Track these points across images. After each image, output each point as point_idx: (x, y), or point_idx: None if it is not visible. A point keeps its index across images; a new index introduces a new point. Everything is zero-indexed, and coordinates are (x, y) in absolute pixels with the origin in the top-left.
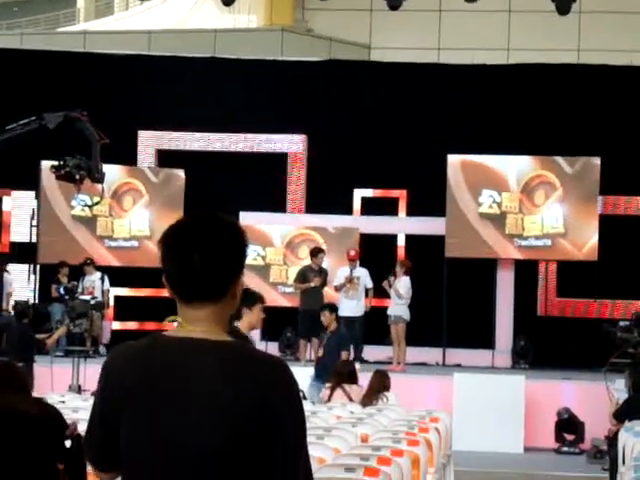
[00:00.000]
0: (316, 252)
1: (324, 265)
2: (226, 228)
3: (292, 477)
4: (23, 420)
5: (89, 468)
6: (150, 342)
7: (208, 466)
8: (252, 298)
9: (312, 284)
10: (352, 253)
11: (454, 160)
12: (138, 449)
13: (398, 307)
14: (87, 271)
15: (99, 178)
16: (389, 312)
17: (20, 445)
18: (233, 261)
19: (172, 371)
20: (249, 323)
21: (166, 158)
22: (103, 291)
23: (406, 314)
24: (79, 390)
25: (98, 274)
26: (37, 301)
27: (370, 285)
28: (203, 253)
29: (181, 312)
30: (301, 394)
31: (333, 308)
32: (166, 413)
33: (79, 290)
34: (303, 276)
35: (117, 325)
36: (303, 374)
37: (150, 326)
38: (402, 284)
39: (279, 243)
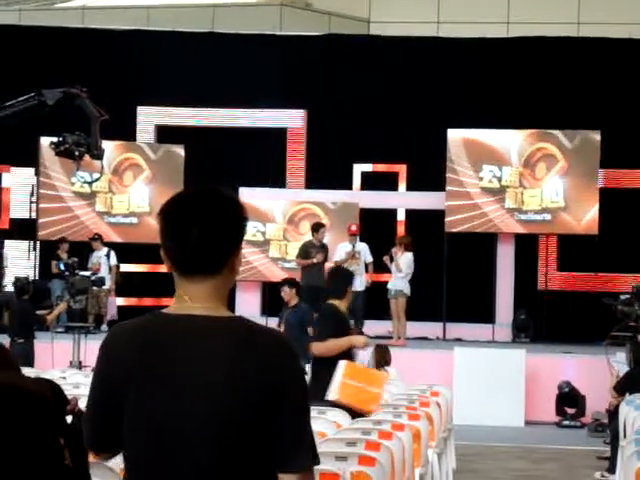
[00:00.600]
0: (317, 227)
1: (325, 240)
2: (225, 202)
3: (298, 450)
4: (23, 395)
5: None
6: (150, 320)
7: (215, 444)
8: (351, 278)
9: (314, 260)
10: (353, 228)
11: (454, 134)
12: (140, 428)
13: (399, 281)
14: (95, 247)
15: (98, 155)
16: (389, 286)
17: (21, 421)
18: (232, 235)
19: (173, 350)
20: (348, 302)
21: (165, 134)
22: (110, 267)
23: (407, 288)
24: (80, 366)
25: (105, 249)
26: (37, 277)
27: (370, 260)
28: (202, 227)
29: (180, 287)
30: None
31: (293, 283)
32: (168, 392)
33: (89, 265)
34: (305, 252)
35: (119, 301)
36: None
37: (150, 302)
38: (404, 259)
39: (280, 219)
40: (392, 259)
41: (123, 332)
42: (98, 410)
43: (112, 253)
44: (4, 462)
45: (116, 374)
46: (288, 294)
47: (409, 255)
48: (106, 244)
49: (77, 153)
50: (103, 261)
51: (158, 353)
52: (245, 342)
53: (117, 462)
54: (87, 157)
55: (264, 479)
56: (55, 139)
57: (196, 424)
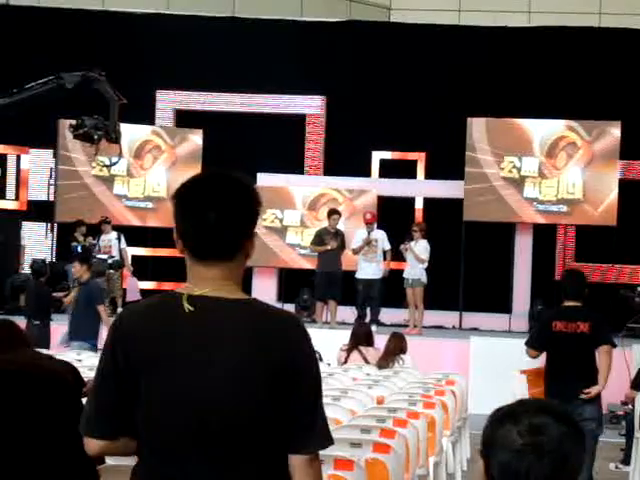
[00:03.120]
0: (330, 214)
1: (341, 227)
2: (241, 187)
3: (310, 432)
4: (41, 377)
5: None
6: (163, 301)
7: (222, 426)
8: None
9: (328, 247)
10: (368, 216)
11: (476, 122)
12: (153, 410)
13: (416, 270)
14: (104, 229)
15: (116, 138)
16: (405, 275)
17: (39, 403)
18: (248, 219)
19: (186, 331)
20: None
21: (184, 118)
22: (120, 250)
23: (424, 277)
24: (95, 349)
25: (115, 233)
26: (54, 259)
27: (388, 247)
28: (219, 211)
29: (193, 270)
30: (317, 355)
31: (84, 259)
32: (185, 372)
33: (96, 249)
34: (319, 238)
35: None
36: (319, 335)
37: (168, 286)
38: (421, 247)
39: (300, 204)
40: (407, 248)
41: (134, 313)
42: (105, 392)
43: (122, 237)
44: (24, 441)
45: (128, 356)
46: (78, 270)
47: (425, 242)
48: (123, 227)
49: (95, 137)
50: (114, 244)
51: (170, 333)
52: (257, 324)
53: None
54: (104, 141)
55: (274, 456)
56: (74, 122)
57: (214, 398)
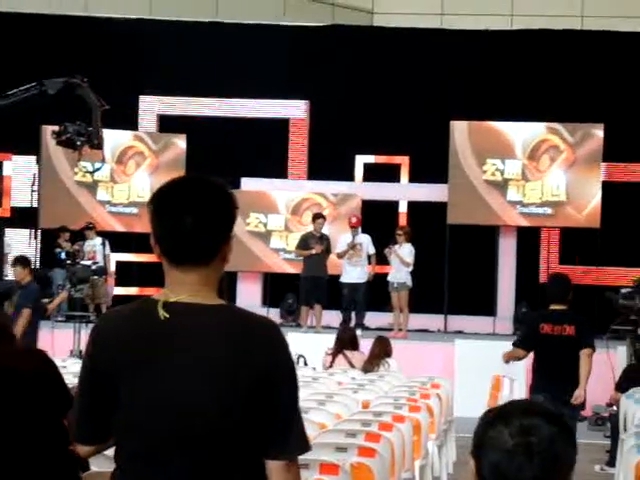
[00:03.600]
0: (316, 218)
1: (326, 231)
2: (217, 190)
3: (288, 438)
4: (17, 377)
5: None
6: (141, 307)
7: (206, 430)
8: None
9: (313, 251)
10: (353, 220)
11: (459, 126)
12: (135, 417)
13: (401, 274)
14: (88, 235)
15: (99, 144)
16: (390, 279)
17: (20, 404)
18: (224, 223)
19: (165, 336)
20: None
21: (167, 123)
22: (105, 256)
23: (409, 280)
24: (80, 355)
25: (99, 239)
26: (38, 266)
27: (372, 251)
28: (195, 215)
29: (170, 275)
30: (302, 360)
31: (25, 262)
32: (166, 377)
33: (80, 255)
34: (304, 243)
35: (119, 290)
36: (305, 340)
37: (151, 291)
38: (407, 251)
39: (284, 209)
40: (392, 252)
41: (112, 319)
42: (88, 400)
43: (107, 242)
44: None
45: (107, 362)
46: (20, 273)
47: (409, 246)
48: (106, 233)
49: (78, 143)
50: (98, 250)
51: (150, 338)
52: (237, 328)
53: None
54: (87, 147)
55: (256, 460)
56: (56, 128)
57: (196, 402)
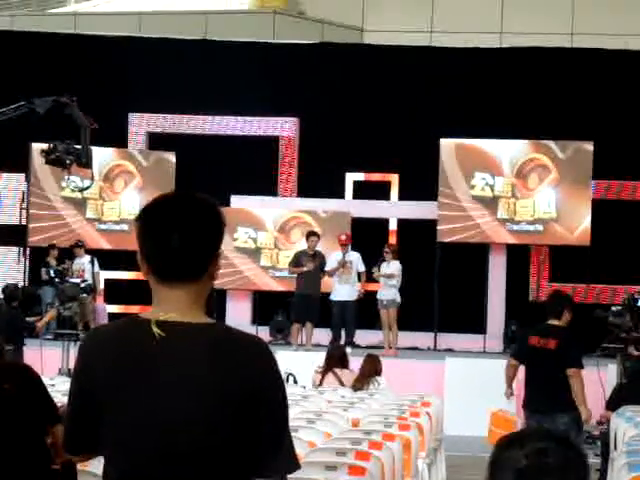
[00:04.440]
0: (309, 236)
1: (318, 249)
2: (205, 207)
3: (275, 456)
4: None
5: None
6: (127, 324)
7: (192, 448)
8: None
9: (305, 268)
10: (343, 238)
11: (447, 144)
12: (122, 435)
13: (390, 291)
14: (77, 253)
15: (87, 163)
16: (379, 297)
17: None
18: (212, 240)
19: (152, 353)
20: (566, 323)
21: (157, 141)
22: (93, 274)
23: (398, 297)
24: (69, 373)
25: (88, 257)
26: (27, 284)
27: (362, 269)
28: (182, 232)
29: (157, 293)
30: (291, 378)
31: None
32: (152, 396)
33: (69, 273)
34: (296, 260)
35: (109, 308)
36: (295, 358)
37: (140, 309)
38: (394, 268)
39: (272, 227)
40: (378, 270)
41: (98, 336)
42: (77, 415)
43: (95, 260)
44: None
45: (93, 380)
46: None
47: (397, 263)
48: (94, 251)
49: (67, 161)
50: (87, 268)
51: (136, 356)
52: (224, 346)
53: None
54: (75, 165)
55: (242, 478)
56: (45, 146)
57: (178, 419)
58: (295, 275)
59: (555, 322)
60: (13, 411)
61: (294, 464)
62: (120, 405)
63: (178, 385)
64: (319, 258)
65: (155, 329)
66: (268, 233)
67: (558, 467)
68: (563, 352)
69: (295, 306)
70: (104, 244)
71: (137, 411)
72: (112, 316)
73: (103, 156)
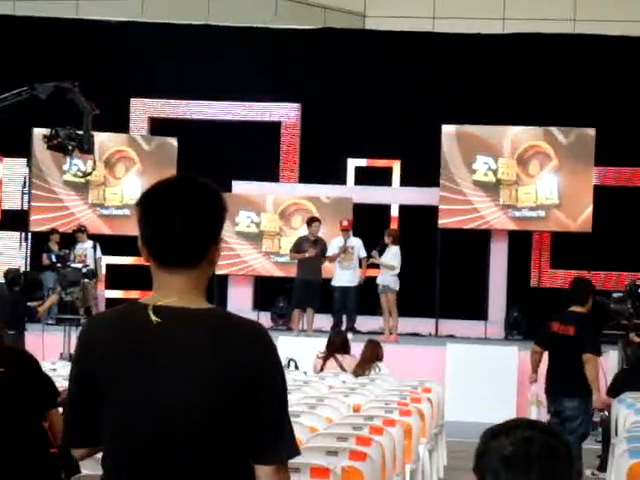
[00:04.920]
0: (310, 222)
1: (319, 235)
2: (206, 192)
3: (275, 443)
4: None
5: None
6: (128, 310)
7: (193, 433)
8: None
9: (307, 254)
10: (345, 223)
11: (448, 130)
12: (122, 419)
13: (387, 277)
14: (79, 238)
15: (89, 149)
16: (378, 281)
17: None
18: (213, 225)
19: (152, 338)
20: (588, 310)
21: (159, 126)
22: (95, 259)
23: (395, 284)
24: (70, 358)
25: (90, 242)
26: (29, 269)
27: (364, 255)
28: (184, 217)
29: (158, 278)
30: (293, 363)
31: None
32: (151, 381)
33: (71, 258)
34: (298, 246)
35: (110, 294)
36: (296, 343)
37: (142, 295)
38: (392, 254)
39: (271, 212)
40: (376, 257)
41: (99, 323)
42: (77, 401)
43: (98, 246)
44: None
45: (94, 365)
46: None
47: (396, 249)
48: (95, 236)
49: (69, 147)
50: (89, 253)
51: (135, 341)
52: (224, 332)
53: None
54: (77, 151)
55: (240, 466)
56: (47, 132)
57: (182, 406)
58: (296, 261)
59: (578, 309)
60: (9, 395)
61: (294, 450)
62: (119, 389)
63: (178, 370)
64: (320, 244)
65: (151, 315)
66: (270, 218)
67: (543, 455)
68: (581, 338)
69: (296, 292)
70: (105, 229)
71: (136, 395)
72: (113, 301)
73: (105, 141)
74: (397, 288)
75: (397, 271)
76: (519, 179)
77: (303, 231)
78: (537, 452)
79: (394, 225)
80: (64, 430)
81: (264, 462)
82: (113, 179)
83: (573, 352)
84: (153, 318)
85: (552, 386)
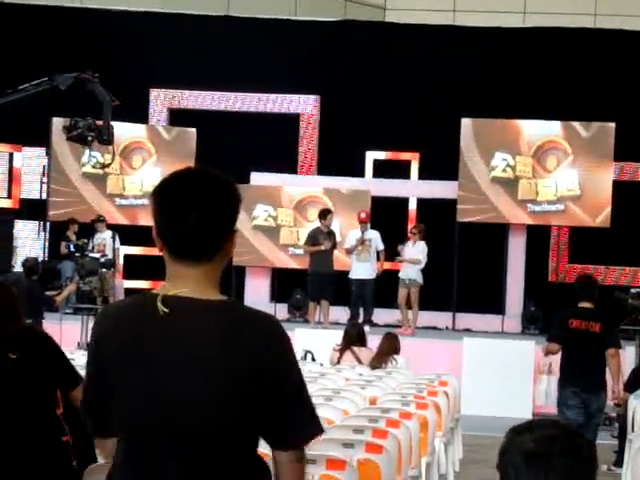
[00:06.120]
0: (325, 214)
1: (334, 227)
2: (220, 184)
3: (290, 429)
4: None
5: None
6: (140, 301)
7: (201, 427)
8: None
9: (322, 247)
10: (362, 215)
11: (467, 123)
12: (130, 410)
13: (413, 271)
14: (98, 228)
15: (108, 140)
16: (402, 275)
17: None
18: (228, 218)
19: (163, 329)
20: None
21: (178, 117)
22: (114, 249)
23: (420, 278)
24: (87, 348)
25: (109, 232)
26: (47, 258)
27: (381, 247)
28: (199, 210)
29: (171, 269)
30: (309, 355)
31: None
32: (159, 373)
33: (89, 247)
34: (313, 238)
35: (128, 284)
36: (312, 335)
37: (160, 284)
38: (419, 248)
39: (288, 204)
40: (401, 253)
41: (112, 313)
42: (94, 394)
43: (117, 236)
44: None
45: (105, 356)
46: None
47: (423, 244)
48: (113, 227)
49: (89, 138)
50: (108, 243)
51: (145, 332)
52: (234, 325)
53: None
54: (97, 142)
55: (247, 459)
56: (67, 122)
57: (187, 399)
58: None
59: (589, 305)
60: (21, 381)
61: (317, 429)
62: (128, 382)
63: (185, 365)
64: (333, 236)
65: (160, 307)
66: (287, 211)
67: (565, 453)
68: (608, 334)
69: (309, 284)
70: (122, 220)
71: (143, 387)
72: (132, 291)
73: (124, 131)
74: (422, 282)
75: (423, 265)
76: (537, 174)
77: (317, 224)
78: (559, 450)
79: (412, 218)
80: (86, 419)
81: (279, 447)
82: (130, 169)
83: (598, 348)
84: (161, 308)
85: (574, 382)
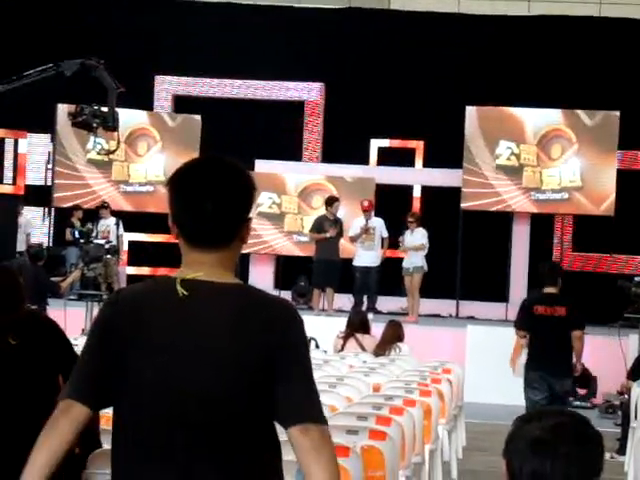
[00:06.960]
0: (331, 201)
1: (339, 214)
2: (237, 173)
3: (304, 406)
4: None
5: None
6: (157, 284)
7: (208, 419)
8: None
9: (328, 235)
10: (365, 204)
11: (472, 111)
12: (138, 395)
13: (417, 258)
14: (102, 214)
15: (114, 127)
16: (405, 264)
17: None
18: (244, 206)
19: (177, 313)
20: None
21: (182, 104)
22: (118, 236)
23: (424, 264)
24: (93, 325)
25: (113, 219)
26: (51, 244)
27: (385, 235)
28: (215, 199)
29: (188, 256)
30: (313, 342)
31: None
32: (170, 356)
33: (93, 234)
34: (319, 226)
35: (131, 270)
36: (316, 323)
37: (164, 271)
38: (419, 235)
39: (293, 191)
40: (403, 242)
41: (130, 295)
42: (89, 363)
43: (121, 223)
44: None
45: (115, 338)
46: None
47: (422, 230)
48: (117, 213)
49: (94, 125)
50: (112, 230)
51: (160, 317)
52: (247, 310)
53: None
54: (102, 128)
55: (255, 450)
56: (72, 109)
57: (198, 386)
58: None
59: (553, 290)
60: (22, 368)
61: (323, 418)
62: (140, 364)
63: (195, 355)
64: (339, 224)
65: (180, 289)
66: (292, 198)
67: (572, 441)
68: (573, 317)
69: (315, 272)
70: (126, 206)
71: (154, 375)
72: (135, 278)
73: (129, 118)
74: (426, 268)
75: (426, 250)
76: (541, 162)
77: (323, 211)
78: (565, 438)
79: (417, 206)
80: (68, 384)
81: (290, 424)
82: (135, 156)
83: (563, 332)
84: (180, 291)
85: (542, 366)
